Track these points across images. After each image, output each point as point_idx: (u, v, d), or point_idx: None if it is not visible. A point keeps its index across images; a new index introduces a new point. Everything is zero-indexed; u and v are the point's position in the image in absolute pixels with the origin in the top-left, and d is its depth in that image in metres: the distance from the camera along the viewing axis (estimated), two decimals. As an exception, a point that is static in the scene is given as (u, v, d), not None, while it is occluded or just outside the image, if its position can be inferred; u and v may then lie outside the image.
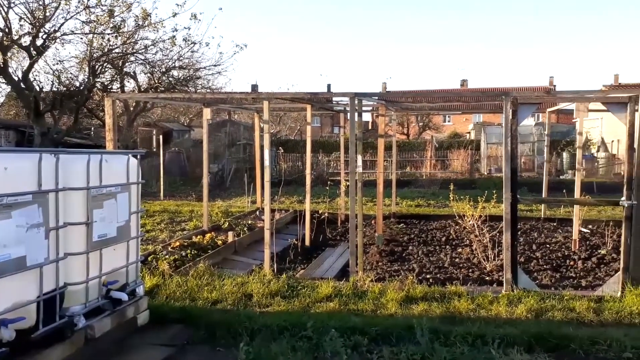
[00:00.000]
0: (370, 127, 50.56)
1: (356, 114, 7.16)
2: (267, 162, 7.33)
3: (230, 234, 9.35)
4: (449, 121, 60.02)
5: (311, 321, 5.10)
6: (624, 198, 6.21)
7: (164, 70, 21.52)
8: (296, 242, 9.04)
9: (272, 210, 11.20)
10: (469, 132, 42.94)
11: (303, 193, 9.86)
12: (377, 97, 9.50)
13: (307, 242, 9.47)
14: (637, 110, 6.08)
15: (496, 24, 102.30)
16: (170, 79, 22.20)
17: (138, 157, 5.46)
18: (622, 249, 6.29)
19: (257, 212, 11.88)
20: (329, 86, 62.59)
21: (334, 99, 11.81)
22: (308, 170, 9.55)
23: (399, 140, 35.29)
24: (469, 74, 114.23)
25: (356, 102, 7.00)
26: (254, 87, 47.68)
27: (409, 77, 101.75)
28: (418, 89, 52.25)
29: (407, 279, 6.54)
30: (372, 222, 11.11)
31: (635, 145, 6.08)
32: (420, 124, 47.94)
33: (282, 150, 23.07)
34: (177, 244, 8.62)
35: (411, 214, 12.85)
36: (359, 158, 7.03)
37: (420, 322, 4.90)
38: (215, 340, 5.06)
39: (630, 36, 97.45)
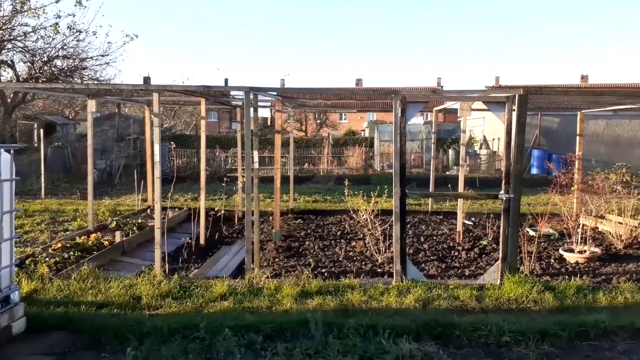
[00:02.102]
0: (269, 124, 50.43)
1: (252, 109, 7.07)
2: (157, 158, 7.01)
3: (117, 233, 8.85)
4: (345, 119, 61.52)
5: (204, 321, 4.97)
6: (502, 192, 6.68)
7: (46, 59, 19.97)
8: (190, 241, 8.77)
9: (165, 208, 10.78)
10: (364, 130, 44.32)
11: (198, 190, 9.58)
12: (272, 92, 9.43)
13: (202, 241, 9.22)
14: (514, 110, 6.56)
15: (390, 25, 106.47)
16: (54, 69, 20.68)
17: (11, 151, 5.00)
18: (501, 239, 6.76)
19: (148, 211, 11.37)
20: (226, 81, 61.45)
21: (231, 93, 11.61)
22: (203, 166, 9.28)
23: (297, 137, 35.60)
24: (364, 74, 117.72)
25: (251, 96, 6.90)
26: (146, 80, 45.59)
27: (307, 75, 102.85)
28: (315, 86, 52.86)
29: (303, 274, 6.58)
30: (270, 218, 11.08)
31: (512, 143, 6.56)
32: (318, 121, 48.74)
33: (174, 145, 22.29)
34: (59, 245, 8.01)
35: (308, 210, 12.98)
36: (256, 154, 6.95)
37: (315, 316, 4.94)
38: (101, 346, 4.80)
39: (510, 41, 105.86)
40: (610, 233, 9.36)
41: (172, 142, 22.58)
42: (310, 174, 23.23)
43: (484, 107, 7.08)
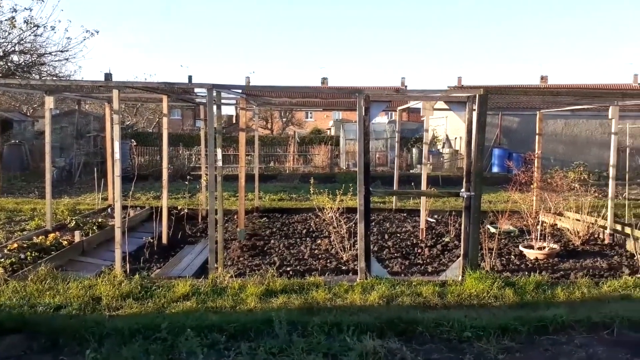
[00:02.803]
0: (234, 122, 50.01)
1: (215, 107, 6.98)
2: (117, 155, 6.85)
3: (77, 233, 8.61)
4: (311, 117, 61.56)
5: (166, 322, 4.90)
6: (463, 190, 6.79)
7: (1, 54, 19.28)
8: (152, 241, 8.61)
9: (126, 207, 10.59)
10: (330, 129, 44.41)
11: (160, 188, 9.41)
12: (237, 90, 9.34)
13: (165, 240, 9.06)
14: (474, 110, 6.67)
15: (356, 25, 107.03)
16: (10, 64, 20.01)
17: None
18: (462, 236, 6.87)
19: (109, 210, 11.11)
20: (190, 78, 60.50)
21: (195, 90, 11.43)
22: (165, 164, 9.12)
23: (263, 135, 35.44)
24: (330, 73, 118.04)
25: (214, 94, 6.81)
26: (108, 76, 44.49)
27: (273, 74, 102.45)
28: (280, 84, 52.68)
29: (268, 273, 6.55)
30: (235, 217, 10.98)
31: (473, 142, 6.67)
32: (284, 119, 48.55)
33: (134, 143, 21.87)
34: (15, 245, 7.75)
35: (274, 208, 12.94)
36: (219, 152, 6.87)
37: (279, 315, 4.92)
38: (59, 348, 4.68)
39: (473, 42, 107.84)
40: (568, 230, 9.64)
41: (133, 140, 22.13)
42: (275, 172, 23.15)
43: (446, 106, 7.17)
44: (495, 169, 23.84)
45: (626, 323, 5.15)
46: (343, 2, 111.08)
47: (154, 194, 15.08)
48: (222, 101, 10.34)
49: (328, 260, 7.95)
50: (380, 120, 34.97)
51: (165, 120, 9.31)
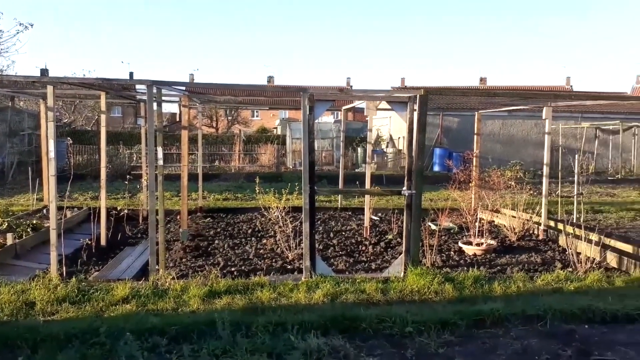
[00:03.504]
0: (177, 119, 48.93)
1: (155, 104, 6.81)
2: (52, 154, 6.57)
3: (9, 235, 8.19)
4: (257, 116, 61.13)
5: (105, 326, 4.74)
6: (405, 188, 6.93)
7: None
8: (90, 242, 8.31)
9: (62, 208, 10.16)
10: (276, 128, 44.34)
11: (99, 188, 9.10)
12: (180, 87, 9.15)
13: (103, 242, 8.76)
14: (415, 110, 6.82)
15: (302, 25, 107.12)
16: None
17: None
18: (404, 233, 7.02)
19: (44, 211, 10.63)
20: (131, 74, 58.84)
21: (137, 87, 11.12)
22: (103, 163, 8.82)
23: (208, 134, 34.86)
24: (276, 72, 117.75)
25: (154, 90, 6.65)
26: (44, 72, 42.59)
27: (218, 71, 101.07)
28: (224, 82, 52.05)
29: (211, 274, 6.46)
30: (177, 217, 10.76)
31: (414, 141, 6.82)
32: (229, 117, 47.93)
33: (70, 141, 21.05)
34: (-61, 250, 7.29)
35: (218, 208, 12.78)
36: (160, 150, 6.71)
37: (222, 315, 4.85)
38: (-11, 356, 4.42)
39: (417, 44, 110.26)
40: (505, 226, 10.02)
41: (69, 138, 21.28)
42: (221, 172, 22.86)
43: (389, 106, 7.30)
44: (436, 168, 24.47)
45: (558, 315, 5.39)
46: (289, 2, 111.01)
47: (92, 194, 14.57)
48: (165, 98, 10.12)
49: (273, 260, 7.92)
50: (327, 119, 35.22)
51: (103, 117, 8.99)
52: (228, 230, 10.16)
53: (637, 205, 13.93)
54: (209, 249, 8.63)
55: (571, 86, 53.33)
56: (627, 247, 8.23)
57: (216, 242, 9.14)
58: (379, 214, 11.67)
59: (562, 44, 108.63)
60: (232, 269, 7.35)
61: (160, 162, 6.76)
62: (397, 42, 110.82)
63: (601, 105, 10.12)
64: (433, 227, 9.43)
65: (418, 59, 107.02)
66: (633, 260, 7.49)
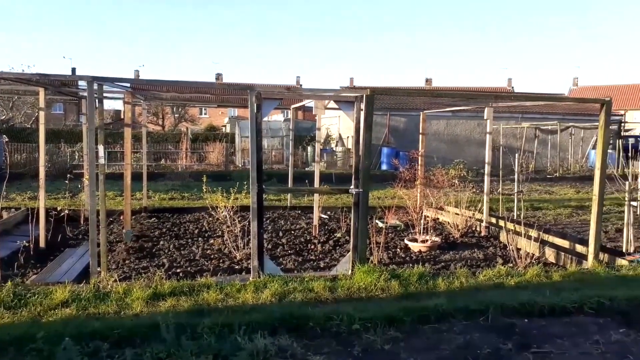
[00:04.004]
0: (122, 117, 47.55)
1: (97, 101, 6.58)
2: (-16, 153, 6.24)
3: (-63, 239, 7.74)
4: (205, 114, 60.22)
5: (42, 331, 4.54)
6: (352, 186, 6.99)
7: None
8: (28, 244, 7.95)
9: (-4, 209, 9.68)
10: (225, 126, 43.74)
11: (38, 188, 8.71)
12: (125, 84, 8.88)
13: (42, 244, 8.41)
14: (362, 109, 6.89)
15: (253, 22, 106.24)
16: None
17: None
18: (352, 231, 7.08)
19: (-23, 212, 10.10)
20: (73, 70, 56.80)
21: (79, 83, 10.72)
22: (42, 162, 8.45)
23: (153, 132, 34.05)
24: (225, 69, 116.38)
25: (95, 87, 6.42)
26: (-23, 66, 40.39)
27: (165, 68, 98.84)
28: (170, 79, 51.05)
29: (156, 275, 6.31)
30: (120, 217, 10.46)
31: (360, 140, 6.89)
32: (176, 115, 46.97)
33: (6, 139, 20.09)
34: None
35: (164, 208, 12.51)
36: (101, 148, 6.49)
37: (167, 318, 4.75)
38: None
39: (365, 46, 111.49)
40: (449, 223, 10.28)
41: (4, 136, 20.29)
42: (167, 170, 22.35)
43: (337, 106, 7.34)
44: (384, 167, 24.85)
45: (499, 309, 5.56)
46: (239, 1, 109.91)
47: (30, 193, 13.94)
48: (108, 95, 9.81)
49: (221, 260, 7.83)
50: (277, 118, 35.09)
51: (42, 114, 8.61)
52: (174, 231, 9.96)
53: (573, 203, 14.60)
54: (154, 250, 8.43)
55: (512, 87, 55.40)
56: (564, 243, 8.62)
57: (161, 242, 8.94)
58: (329, 213, 11.73)
59: (505, 47, 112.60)
60: (178, 270, 7.21)
61: (102, 161, 6.54)
62: (347, 44, 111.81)
63: (540, 105, 10.55)
64: (380, 224, 9.56)
65: (367, 60, 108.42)
66: (570, 255, 7.86)
